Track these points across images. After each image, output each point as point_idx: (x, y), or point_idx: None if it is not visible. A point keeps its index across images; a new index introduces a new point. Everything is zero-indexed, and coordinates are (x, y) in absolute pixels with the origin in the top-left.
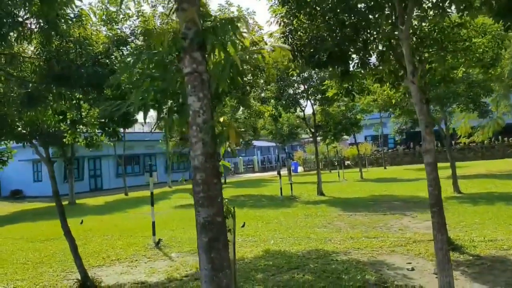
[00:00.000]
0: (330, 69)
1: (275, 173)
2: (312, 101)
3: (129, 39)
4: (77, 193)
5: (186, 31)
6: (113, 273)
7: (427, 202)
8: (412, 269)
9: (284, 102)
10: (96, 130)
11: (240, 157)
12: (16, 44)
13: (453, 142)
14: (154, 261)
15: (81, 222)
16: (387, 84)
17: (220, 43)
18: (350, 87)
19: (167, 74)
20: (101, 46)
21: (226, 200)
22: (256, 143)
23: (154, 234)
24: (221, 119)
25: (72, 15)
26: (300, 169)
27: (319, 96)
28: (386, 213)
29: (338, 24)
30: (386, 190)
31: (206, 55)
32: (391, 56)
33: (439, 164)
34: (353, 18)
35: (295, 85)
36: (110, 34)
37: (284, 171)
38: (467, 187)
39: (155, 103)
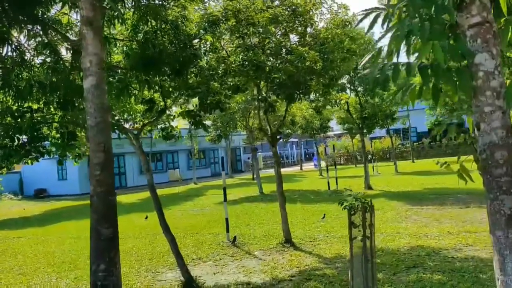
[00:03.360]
0: None
1: (296, 168)
2: (360, 92)
3: (220, 21)
4: None
5: None
6: (205, 274)
7: None
8: None
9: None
10: (185, 120)
11: (259, 153)
12: (109, 26)
13: None
14: (240, 260)
15: (146, 218)
16: None
17: None
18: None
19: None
20: (195, 28)
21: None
22: None
23: (227, 231)
24: None
25: None
26: (323, 164)
27: (366, 86)
28: (461, 207)
29: None
30: (437, 183)
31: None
32: None
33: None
34: None
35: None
36: (206, 13)
37: (307, 166)
38: None
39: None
